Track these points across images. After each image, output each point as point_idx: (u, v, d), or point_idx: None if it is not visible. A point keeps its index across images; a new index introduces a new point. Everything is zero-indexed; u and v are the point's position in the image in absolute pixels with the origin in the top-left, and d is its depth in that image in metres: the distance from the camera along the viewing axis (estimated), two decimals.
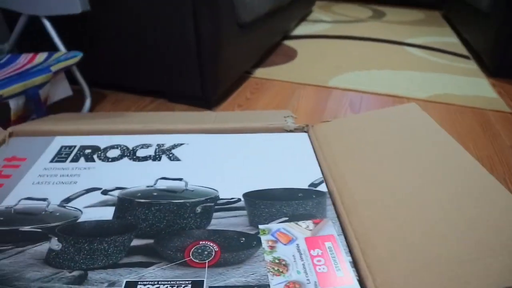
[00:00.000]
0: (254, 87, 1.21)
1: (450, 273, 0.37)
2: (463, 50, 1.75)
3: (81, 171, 0.54)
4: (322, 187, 0.52)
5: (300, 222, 0.46)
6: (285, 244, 0.43)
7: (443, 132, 0.57)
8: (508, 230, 0.41)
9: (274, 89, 1.20)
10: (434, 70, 1.41)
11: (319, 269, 0.40)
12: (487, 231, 0.41)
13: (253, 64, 1.34)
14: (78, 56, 0.90)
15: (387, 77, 1.32)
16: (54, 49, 0.98)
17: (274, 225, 0.45)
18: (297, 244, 0.43)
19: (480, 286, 0.36)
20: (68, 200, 0.49)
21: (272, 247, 0.42)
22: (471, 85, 1.32)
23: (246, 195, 0.50)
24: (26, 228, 0.44)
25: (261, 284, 0.38)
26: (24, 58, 0.93)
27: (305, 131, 0.65)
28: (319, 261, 0.41)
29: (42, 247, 0.42)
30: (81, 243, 0.42)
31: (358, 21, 2.26)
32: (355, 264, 0.41)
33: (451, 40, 1.91)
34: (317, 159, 0.58)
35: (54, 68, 0.82)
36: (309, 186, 0.52)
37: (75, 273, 0.39)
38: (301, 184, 0.53)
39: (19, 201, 0.48)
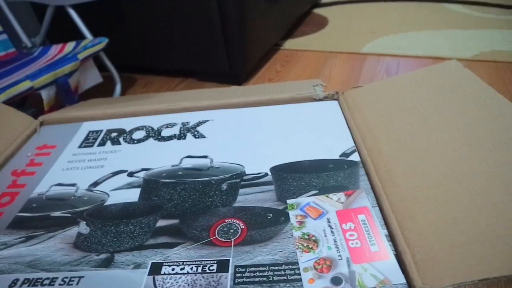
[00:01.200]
0: (284, 59, 1.16)
1: (498, 247, 0.33)
2: (510, 1, 1.58)
3: (108, 154, 0.54)
4: (355, 157, 0.49)
5: (331, 195, 0.43)
6: (315, 219, 0.40)
7: (490, 89, 0.51)
8: None
9: (305, 59, 1.15)
10: (479, 27, 1.29)
11: (352, 244, 0.37)
12: None
13: (282, 36, 1.29)
14: (103, 41, 0.90)
15: (426, 38, 1.22)
16: (83, 38, 0.99)
17: (303, 199, 0.43)
18: (328, 218, 0.40)
19: None
20: (95, 184, 0.49)
21: (301, 223, 0.40)
22: None
23: (273, 169, 0.48)
24: (57, 214, 0.45)
25: (289, 261, 0.36)
26: (54, 49, 0.95)
27: (335, 99, 0.61)
28: (351, 235, 0.38)
29: (72, 232, 0.42)
30: (108, 226, 0.42)
31: None
32: (391, 238, 0.38)
33: None
34: (349, 127, 0.54)
35: (81, 56, 0.83)
36: (340, 156, 0.49)
37: (102, 256, 0.38)
38: (331, 154, 0.49)
39: (50, 187, 0.49)
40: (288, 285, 0.34)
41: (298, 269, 0.35)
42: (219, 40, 1.03)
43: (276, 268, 0.35)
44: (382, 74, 1.02)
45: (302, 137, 0.54)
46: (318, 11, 1.63)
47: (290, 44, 1.27)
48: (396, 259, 0.35)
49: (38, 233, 0.42)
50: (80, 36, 0.99)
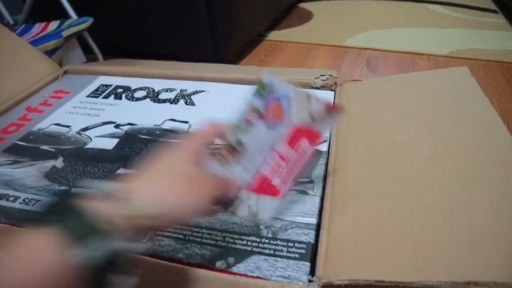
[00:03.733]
0: (268, 49, 1.18)
1: (406, 254, 0.32)
2: (491, 5, 1.52)
3: (107, 106, 0.60)
4: (322, 146, 0.48)
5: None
6: (268, 125, 0.37)
7: (485, 101, 0.47)
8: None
9: (289, 50, 1.17)
10: (458, 26, 1.30)
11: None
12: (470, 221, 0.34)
13: (267, 27, 1.30)
14: (88, 21, 0.91)
15: (407, 35, 1.26)
16: (67, 18, 0.97)
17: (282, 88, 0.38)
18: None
19: (421, 273, 0.30)
20: (85, 129, 0.54)
21: (249, 122, 0.39)
22: (498, 39, 1.19)
23: None
24: (44, 147, 0.51)
25: None
26: (38, 28, 0.95)
27: (332, 90, 0.60)
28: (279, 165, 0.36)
29: (49, 164, 0.48)
30: (79, 165, 0.47)
31: None
32: (318, 226, 0.38)
33: None
34: None
35: (65, 33, 0.85)
36: None
37: (62, 188, 0.44)
38: None
39: (49, 125, 0.56)
40: None
41: None
42: (204, 23, 1.00)
43: None
44: (363, 66, 1.04)
45: None
46: (303, 5, 1.65)
47: (275, 35, 1.30)
48: (313, 246, 0.35)
49: (23, 159, 0.49)
50: (64, 16, 0.98)
